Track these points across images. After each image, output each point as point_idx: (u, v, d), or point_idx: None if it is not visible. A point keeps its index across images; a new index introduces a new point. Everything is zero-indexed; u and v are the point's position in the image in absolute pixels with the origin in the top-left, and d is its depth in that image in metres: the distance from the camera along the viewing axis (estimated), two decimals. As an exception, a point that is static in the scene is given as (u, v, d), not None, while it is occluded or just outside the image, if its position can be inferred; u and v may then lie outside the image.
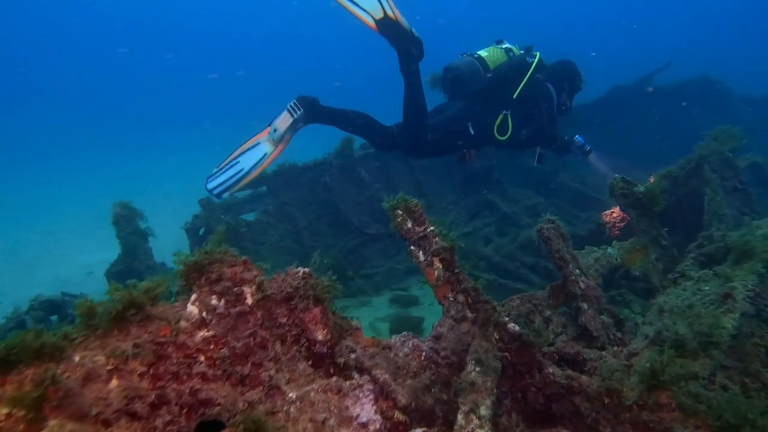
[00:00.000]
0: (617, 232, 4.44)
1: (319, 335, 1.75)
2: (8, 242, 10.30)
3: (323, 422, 1.53)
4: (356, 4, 4.15)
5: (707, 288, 2.69)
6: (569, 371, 2.06)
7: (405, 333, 2.10)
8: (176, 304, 1.63)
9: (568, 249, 2.69)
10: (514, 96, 4.65)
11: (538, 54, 4.79)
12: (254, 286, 1.72)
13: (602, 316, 2.64)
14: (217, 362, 1.59)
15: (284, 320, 1.76)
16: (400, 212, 2.35)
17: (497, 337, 2.17)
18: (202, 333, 1.61)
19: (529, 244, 5.18)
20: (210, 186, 4.31)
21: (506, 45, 4.90)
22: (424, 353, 2.03)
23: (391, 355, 1.97)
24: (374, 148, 5.04)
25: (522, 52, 4.90)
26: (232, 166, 4.29)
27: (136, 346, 1.47)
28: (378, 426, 1.64)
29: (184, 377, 1.51)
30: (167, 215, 8.80)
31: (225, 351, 1.62)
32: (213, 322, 1.64)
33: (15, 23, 41.88)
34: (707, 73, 10.61)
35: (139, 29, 43.25)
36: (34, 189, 15.24)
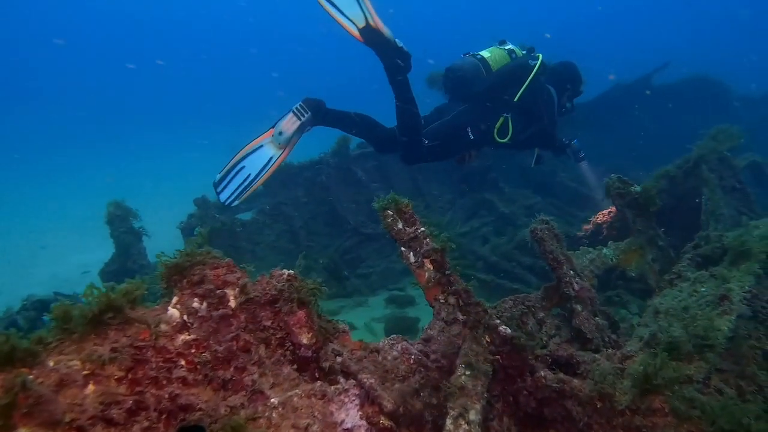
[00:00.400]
0: (614, 232, 4.40)
1: (304, 339, 1.71)
2: (5, 241, 10.28)
3: (306, 428, 1.50)
4: (341, 12, 4.11)
5: (703, 289, 2.65)
6: (561, 375, 2.02)
7: (394, 336, 2.06)
8: (157, 307, 1.59)
9: (561, 250, 2.65)
10: (516, 99, 4.61)
11: (540, 56, 4.73)
12: (237, 289, 1.68)
13: (596, 318, 2.60)
14: (199, 366, 1.56)
15: (269, 323, 1.72)
16: (390, 213, 2.32)
17: (488, 340, 2.13)
18: (183, 336, 1.57)
19: (526, 244, 5.14)
20: (223, 198, 4.24)
21: (509, 46, 4.86)
22: (413, 356, 2.00)
23: (379, 358, 1.93)
24: (375, 150, 4.99)
25: (524, 53, 4.86)
26: (238, 172, 4.20)
27: (113, 350, 1.43)
28: (363, 432, 1.60)
29: (164, 382, 1.48)
30: (164, 214, 8.77)
31: (207, 355, 1.58)
32: (195, 325, 1.60)
33: (13, 22, 41.86)
34: (706, 72, 10.57)
35: (139, 28, 43.23)
36: (31, 188, 15.21)
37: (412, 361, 1.97)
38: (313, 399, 1.58)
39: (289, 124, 4.12)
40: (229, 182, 4.19)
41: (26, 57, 41.83)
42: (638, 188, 3.40)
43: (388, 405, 1.62)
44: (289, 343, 1.74)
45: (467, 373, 1.96)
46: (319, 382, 1.63)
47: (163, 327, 1.54)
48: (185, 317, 1.58)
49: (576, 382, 1.97)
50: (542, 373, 2.05)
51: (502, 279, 5.24)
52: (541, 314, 2.58)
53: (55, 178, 16.76)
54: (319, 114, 4.21)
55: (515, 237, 5.67)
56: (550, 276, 2.75)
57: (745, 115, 9.90)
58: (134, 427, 1.38)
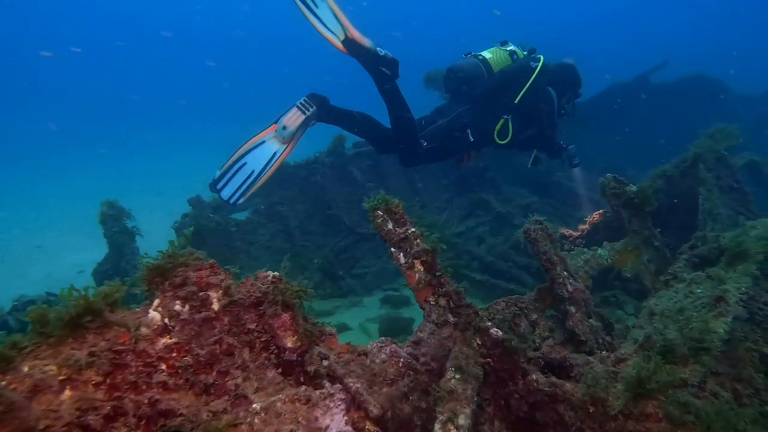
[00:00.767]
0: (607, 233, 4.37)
1: (289, 342, 1.67)
2: (0, 241, 10.22)
3: (289, 434, 1.46)
4: (324, 25, 4.09)
5: (699, 291, 2.61)
6: (553, 378, 1.99)
7: (383, 338, 2.03)
8: (137, 310, 1.55)
9: (555, 250, 2.62)
10: (516, 101, 4.59)
11: (542, 58, 4.71)
12: (221, 291, 1.64)
13: (591, 320, 2.57)
14: (180, 371, 1.52)
15: (253, 326, 1.69)
16: (380, 213, 2.28)
17: (479, 343, 2.10)
18: (164, 340, 1.53)
19: (522, 244, 5.11)
20: (225, 196, 4.10)
21: (510, 47, 4.83)
22: (402, 359, 1.96)
23: (367, 361, 1.89)
24: (376, 150, 4.96)
25: (525, 53, 4.84)
26: (239, 169, 4.09)
27: (91, 354, 1.39)
28: (349, 437, 1.57)
29: (144, 387, 1.44)
30: (161, 214, 8.72)
31: (188, 359, 1.54)
32: (176, 328, 1.56)
33: (12, 21, 41.73)
34: (705, 71, 10.54)
35: (138, 27, 43.12)
36: (27, 187, 15.15)
37: (401, 365, 1.94)
38: (297, 404, 1.54)
39: (294, 118, 4.05)
40: (230, 179, 4.07)
41: (22, 56, 41.72)
42: (634, 188, 3.37)
43: (374, 410, 1.58)
44: (274, 347, 1.70)
45: (457, 376, 1.93)
46: (303, 387, 1.60)
47: (144, 330, 1.50)
48: (166, 320, 1.54)
49: (568, 385, 1.94)
50: (534, 377, 2.01)
51: (497, 279, 5.21)
52: (535, 316, 2.54)
53: (53, 177, 16.69)
54: (323, 109, 4.15)
55: (511, 237, 5.64)
56: (545, 276, 2.72)
57: (744, 113, 9.87)
58: (112, 433, 1.35)
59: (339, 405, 1.62)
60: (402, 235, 2.24)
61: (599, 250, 3.25)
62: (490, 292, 5.18)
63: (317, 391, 1.61)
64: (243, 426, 1.44)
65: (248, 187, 4.06)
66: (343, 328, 5.13)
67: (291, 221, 6.29)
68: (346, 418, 1.59)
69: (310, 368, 1.67)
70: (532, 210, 6.71)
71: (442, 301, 2.20)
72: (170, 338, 1.53)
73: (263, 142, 4.11)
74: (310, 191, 6.55)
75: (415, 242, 2.23)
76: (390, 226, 2.27)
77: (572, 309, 2.53)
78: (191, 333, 1.58)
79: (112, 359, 1.41)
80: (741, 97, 10.81)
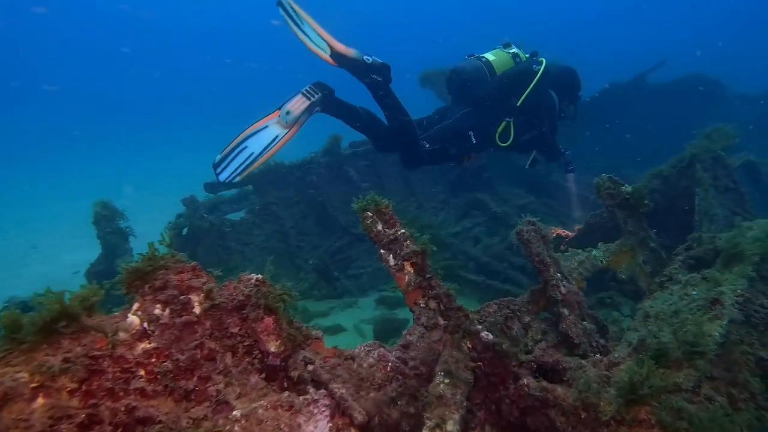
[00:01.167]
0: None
1: (272, 346, 1.64)
2: (-4, 241, 10.18)
3: (271, 442, 1.42)
4: (311, 41, 4.09)
5: (695, 293, 2.58)
6: (544, 383, 1.95)
7: (371, 342, 1.99)
8: (116, 314, 1.51)
9: (548, 252, 2.58)
10: (518, 103, 4.59)
11: (544, 61, 4.70)
12: (203, 294, 1.60)
13: (584, 322, 2.53)
14: (159, 376, 1.48)
15: (236, 330, 1.65)
16: (369, 214, 2.24)
17: (470, 346, 2.06)
18: (143, 345, 1.49)
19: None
20: (222, 178, 4.06)
21: (513, 50, 4.83)
22: (390, 364, 1.92)
23: (355, 366, 1.86)
24: (376, 148, 4.95)
25: (527, 56, 4.84)
26: (240, 152, 4.06)
27: (66, 360, 1.35)
28: (333, 445, 1.53)
29: (121, 394, 1.40)
30: (157, 214, 8.67)
31: (168, 364, 1.50)
32: (156, 333, 1.52)
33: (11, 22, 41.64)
34: (703, 71, 10.52)
35: (139, 28, 43.07)
36: (23, 187, 15.09)
37: (389, 369, 1.90)
38: (279, 410, 1.50)
39: (298, 104, 4.02)
40: (229, 162, 4.04)
41: (20, 56, 41.62)
42: (629, 188, 3.33)
43: (359, 417, 1.54)
44: (258, 351, 1.66)
45: (446, 381, 1.89)
46: (286, 393, 1.56)
47: (122, 335, 1.46)
48: (146, 324, 1.50)
49: (560, 390, 1.90)
50: (525, 381, 1.98)
51: (493, 280, 5.17)
52: (527, 318, 2.50)
53: (50, 176, 16.64)
54: (328, 98, 4.14)
55: (507, 237, 5.60)
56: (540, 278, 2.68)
57: (742, 113, 9.85)
58: (86, 442, 1.31)
59: (323, 411, 1.58)
60: (391, 237, 2.20)
61: (594, 252, 3.21)
62: (485, 293, 5.14)
63: (301, 397, 1.57)
64: (222, 434, 1.40)
65: (246, 167, 4.03)
66: (337, 329, 5.10)
67: (286, 222, 6.25)
68: (330, 424, 1.55)
69: (294, 373, 1.63)
70: (528, 210, 6.71)
71: (432, 304, 2.16)
72: (149, 343, 1.49)
73: (266, 126, 4.08)
74: (305, 191, 6.51)
75: (404, 243, 2.19)
76: (379, 227, 2.23)
77: (565, 311, 2.49)
78: (171, 337, 1.54)
79: (87, 365, 1.37)
80: (740, 96, 10.79)
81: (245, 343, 1.66)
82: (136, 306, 1.53)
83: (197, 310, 1.60)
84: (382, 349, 1.96)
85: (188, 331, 1.57)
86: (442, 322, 2.13)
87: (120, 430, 1.37)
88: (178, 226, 5.60)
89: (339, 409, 1.59)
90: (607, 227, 4.53)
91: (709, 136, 4.48)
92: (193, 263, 1.66)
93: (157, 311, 1.54)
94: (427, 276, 2.17)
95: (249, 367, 1.64)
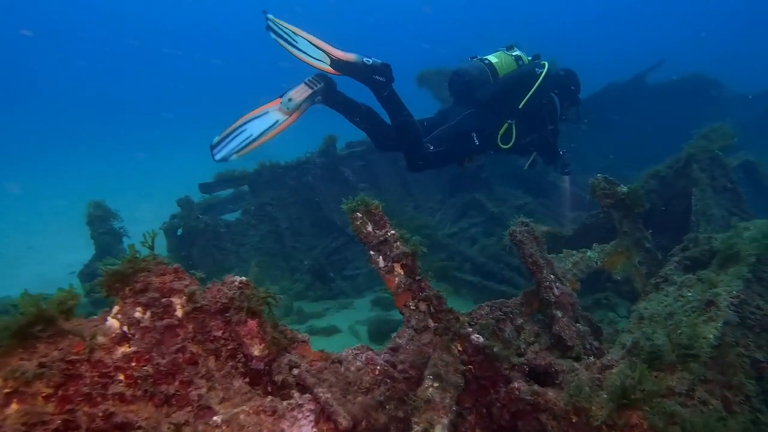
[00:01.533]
0: None
1: (255, 350, 1.60)
2: (-8, 241, 10.14)
3: (252, 449, 1.39)
4: (308, 55, 4.11)
5: (690, 294, 2.55)
6: (535, 387, 1.92)
7: (359, 345, 1.95)
8: (95, 317, 1.48)
9: (542, 253, 2.55)
10: (520, 106, 4.60)
11: (546, 64, 4.71)
12: (185, 297, 1.57)
13: (578, 324, 2.50)
14: (139, 381, 1.44)
15: (219, 333, 1.61)
16: (359, 215, 2.21)
17: (460, 349, 2.03)
18: (123, 349, 1.46)
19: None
20: (218, 157, 4.09)
21: (516, 52, 4.84)
22: (378, 367, 1.89)
23: (342, 369, 1.82)
24: (375, 147, 4.97)
25: (530, 59, 4.85)
26: (238, 134, 4.09)
27: (41, 365, 1.32)
28: (317, 451, 1.50)
29: (98, 399, 1.36)
30: (152, 214, 8.63)
31: (148, 368, 1.47)
32: (136, 336, 1.49)
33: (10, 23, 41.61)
34: (701, 71, 10.49)
35: (142, 25, 43.03)
36: (20, 187, 15.03)
37: (377, 372, 1.86)
38: (262, 415, 1.47)
39: (300, 92, 4.06)
40: (227, 144, 4.06)
41: (17, 56, 41.56)
42: (625, 189, 3.30)
43: (344, 422, 1.51)
44: (241, 355, 1.63)
45: (435, 384, 1.86)
46: (269, 397, 1.52)
47: (101, 339, 1.43)
48: (125, 328, 1.47)
49: (551, 394, 1.87)
50: (516, 385, 1.94)
51: (489, 281, 5.14)
52: (520, 320, 2.47)
53: (46, 176, 16.60)
54: (330, 88, 4.17)
55: (504, 238, 5.56)
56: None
57: (740, 113, 9.82)
58: (61, 449, 1.27)
59: (308, 416, 1.55)
60: (381, 238, 2.17)
61: (588, 252, 3.17)
62: (481, 294, 5.11)
63: (285, 402, 1.54)
64: (202, 440, 1.37)
65: (243, 148, 4.04)
66: (332, 330, 5.07)
67: (281, 222, 6.22)
68: (314, 430, 1.52)
69: (278, 377, 1.60)
70: (526, 211, 6.69)
71: (423, 306, 2.13)
72: (129, 347, 1.46)
73: (266, 113, 4.11)
74: (301, 192, 6.47)
75: (394, 245, 2.16)
76: (369, 228, 2.20)
77: (559, 313, 2.46)
78: (152, 341, 1.50)
79: (64, 370, 1.34)
80: (738, 96, 10.77)
81: (229, 347, 1.63)
82: (116, 309, 1.50)
83: (179, 313, 1.57)
84: (370, 352, 1.92)
85: (170, 334, 1.54)
86: (432, 324, 2.10)
87: (97, 436, 1.34)
88: (172, 226, 5.57)
89: (324, 414, 1.56)
90: (603, 228, 4.51)
91: (706, 136, 4.46)
92: (175, 265, 1.62)
93: (137, 314, 1.51)
94: (417, 278, 2.14)
95: (232, 371, 1.61)
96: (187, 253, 5.59)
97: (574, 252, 3.13)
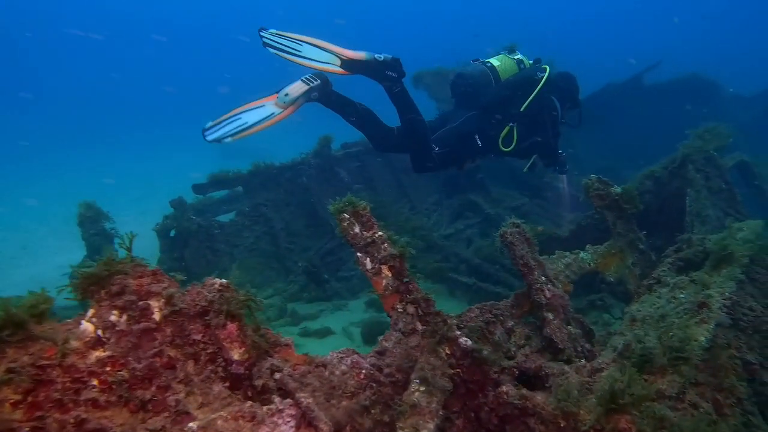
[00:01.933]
0: None
1: (235, 354, 1.57)
2: (-14, 242, 10.07)
3: (229, 456, 1.35)
4: (315, 60, 4.14)
5: (682, 296, 2.52)
6: (524, 390, 1.89)
7: (344, 348, 1.92)
8: (68, 321, 1.45)
9: (533, 255, 2.52)
10: (522, 109, 4.62)
11: (547, 68, 4.73)
12: (163, 300, 1.54)
13: (569, 327, 2.47)
14: (114, 386, 1.41)
15: (199, 337, 1.58)
16: (346, 216, 2.18)
17: (448, 353, 2.00)
18: (97, 353, 1.42)
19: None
20: (210, 138, 4.12)
21: (518, 56, 4.87)
22: (364, 371, 1.85)
23: (326, 373, 1.79)
24: (374, 147, 4.99)
25: (531, 62, 4.87)
26: (233, 121, 4.14)
27: (9, 371, 1.29)
28: (297, 457, 1.46)
29: (70, 405, 1.33)
30: (146, 216, 8.59)
31: (124, 373, 1.43)
32: (111, 340, 1.45)
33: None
34: (698, 71, 10.48)
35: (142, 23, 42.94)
36: (13, 187, 14.97)
37: (362, 376, 1.83)
38: (240, 421, 1.43)
39: (297, 88, 4.11)
40: (220, 128, 4.11)
41: (15, 55, 41.49)
42: (618, 189, 3.27)
43: (325, 428, 1.48)
44: (222, 359, 1.59)
45: (422, 389, 1.83)
46: (249, 402, 1.49)
47: (74, 343, 1.39)
48: (100, 332, 1.44)
49: (539, 398, 1.84)
50: (504, 389, 1.91)
51: (484, 282, 5.11)
52: (511, 323, 2.44)
53: (41, 177, 16.53)
54: (327, 86, 4.21)
55: (496, 239, 5.53)
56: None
57: (737, 113, 9.80)
58: (30, 457, 1.24)
59: (288, 422, 1.51)
60: (369, 239, 2.14)
61: (581, 254, 3.14)
62: (476, 295, 5.08)
63: (265, 407, 1.50)
64: (177, 447, 1.33)
65: (236, 133, 4.09)
66: (326, 332, 5.03)
67: (276, 223, 6.18)
68: (294, 436, 1.48)
69: (258, 382, 1.57)
70: (522, 212, 6.66)
71: (411, 309, 2.09)
72: (104, 351, 1.43)
73: (262, 106, 4.17)
74: (295, 193, 6.44)
75: (382, 246, 2.12)
76: (356, 229, 2.16)
77: (550, 316, 2.42)
78: (128, 345, 1.47)
79: (34, 375, 1.30)
80: (736, 96, 10.76)
81: (208, 351, 1.59)
82: (90, 312, 1.46)
83: (157, 316, 1.53)
84: (356, 355, 1.89)
85: (147, 338, 1.51)
86: (420, 327, 2.07)
87: (69, 443, 1.31)
88: (165, 227, 5.53)
89: (305, 420, 1.52)
90: (599, 229, 4.48)
91: (701, 136, 4.43)
92: (153, 268, 1.59)
93: (113, 318, 1.47)
94: (405, 280, 2.10)
95: (212, 375, 1.58)
96: (180, 254, 5.55)
97: (567, 253, 3.10)
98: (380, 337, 2.03)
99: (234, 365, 1.58)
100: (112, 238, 5.06)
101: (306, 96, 4.14)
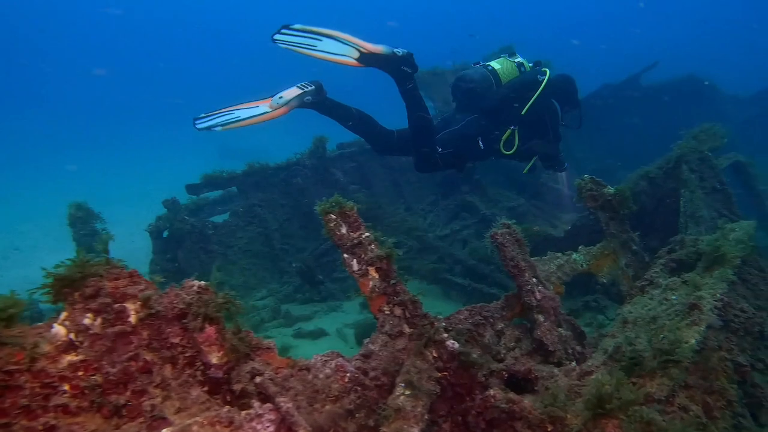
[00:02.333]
0: None
1: (214, 358, 1.53)
2: (-21, 243, 10.02)
3: (204, 463, 1.32)
4: (332, 53, 4.17)
5: (674, 297, 2.49)
6: (511, 394, 1.85)
7: (329, 351, 1.88)
8: (40, 324, 1.41)
9: (524, 256, 2.49)
10: (523, 112, 4.62)
11: (548, 71, 4.75)
12: (139, 302, 1.50)
13: (560, 329, 2.43)
14: (86, 391, 1.37)
15: (177, 340, 1.54)
16: (333, 216, 2.14)
17: (435, 355, 1.96)
18: (69, 358, 1.39)
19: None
20: (200, 126, 4.22)
21: (519, 59, 4.89)
22: (348, 374, 1.82)
23: (309, 377, 1.75)
24: (372, 149, 5.01)
25: (531, 65, 4.89)
26: (225, 114, 4.25)
27: (-24, 376, 1.25)
28: (276, 464, 1.42)
29: (38, 411, 1.29)
30: (141, 217, 8.54)
31: (97, 378, 1.40)
32: (84, 344, 1.42)
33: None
34: (695, 72, 10.47)
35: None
36: (6, 188, 14.91)
37: (346, 380, 1.80)
38: (217, 427, 1.40)
39: (291, 92, 4.20)
40: (212, 119, 4.21)
41: (19, 56, 41.40)
42: (611, 190, 3.24)
43: (304, 434, 1.44)
44: (200, 363, 1.56)
45: (407, 392, 1.79)
46: (227, 407, 1.45)
47: (45, 348, 1.36)
48: (72, 335, 1.40)
49: (526, 402, 1.80)
50: (491, 392, 1.88)
51: (479, 283, 5.08)
52: (501, 325, 2.40)
53: (36, 177, 16.47)
54: (321, 91, 4.27)
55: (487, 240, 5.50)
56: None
57: (733, 114, 9.79)
58: (-3, 465, 1.20)
59: (267, 427, 1.48)
60: (355, 240, 2.10)
61: (574, 255, 3.11)
62: (471, 296, 5.05)
63: (243, 412, 1.47)
64: (150, 454, 1.30)
65: (226, 124, 4.19)
66: (320, 333, 5.00)
67: (270, 224, 6.14)
68: (273, 442, 1.44)
69: (237, 386, 1.53)
70: (518, 212, 6.63)
71: (398, 311, 2.06)
72: (76, 355, 1.39)
73: (256, 106, 4.25)
74: (290, 194, 6.40)
75: (369, 248, 2.09)
76: (343, 230, 2.13)
77: (540, 318, 2.39)
78: (102, 349, 1.43)
79: (0, 380, 1.27)
80: (732, 97, 10.75)
81: (187, 354, 1.55)
82: (63, 315, 1.43)
83: (133, 319, 1.49)
84: (340, 359, 1.86)
85: (122, 341, 1.47)
86: (407, 330, 2.03)
87: (38, 450, 1.27)
88: (157, 228, 5.48)
89: (284, 425, 1.49)
90: (594, 230, 4.45)
91: (696, 137, 4.41)
92: (130, 269, 1.55)
93: (86, 321, 1.44)
94: (392, 282, 2.07)
95: (190, 379, 1.54)
96: (173, 255, 5.51)
97: (559, 254, 3.07)
98: (366, 340, 2.00)
99: (212, 369, 1.54)
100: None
101: (299, 100, 4.21)
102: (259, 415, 1.49)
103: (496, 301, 2.56)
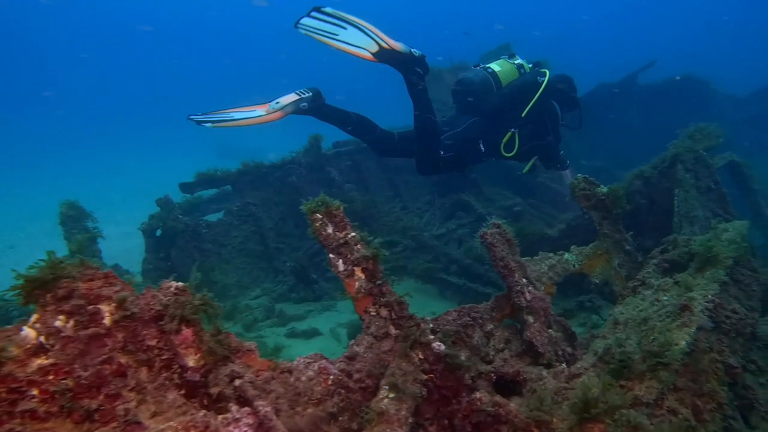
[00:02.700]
0: None
1: (190, 360, 1.50)
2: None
3: (177, 469, 1.28)
4: (348, 44, 4.14)
5: (666, 298, 2.46)
6: (497, 397, 1.82)
7: (312, 353, 1.85)
8: (8, 327, 1.37)
9: (514, 256, 2.45)
10: (523, 114, 4.62)
11: (548, 73, 4.74)
12: (114, 304, 1.47)
13: (550, 330, 2.40)
14: (56, 396, 1.34)
15: (153, 343, 1.51)
16: (319, 216, 2.11)
17: (421, 357, 1.93)
18: (39, 361, 1.35)
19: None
20: (193, 118, 4.27)
21: (518, 61, 4.88)
22: (332, 377, 1.79)
23: (291, 379, 1.72)
24: (373, 152, 5.01)
25: (531, 66, 4.89)
26: (222, 114, 4.30)
27: (-61, 381, 1.21)
28: (252, 470, 1.39)
29: (4, 417, 1.26)
30: (141, 215, 8.49)
31: (68, 382, 1.36)
32: (56, 347, 1.38)
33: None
34: (692, 72, 10.44)
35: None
36: (5, 186, 14.86)
37: (330, 382, 1.76)
38: (192, 431, 1.36)
39: (288, 98, 4.24)
40: (208, 117, 4.25)
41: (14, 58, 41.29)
42: (605, 189, 3.21)
43: (282, 439, 1.41)
44: (178, 366, 1.52)
45: (391, 395, 1.76)
46: (203, 412, 1.42)
47: (13, 351, 1.32)
48: (42, 338, 1.36)
49: (512, 406, 1.77)
50: (477, 395, 1.84)
51: (474, 283, 5.05)
52: (490, 326, 2.37)
53: (32, 177, 16.43)
54: (318, 98, 4.30)
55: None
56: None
57: (729, 114, 9.76)
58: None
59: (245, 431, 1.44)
60: (341, 240, 2.07)
61: (566, 255, 3.07)
62: (466, 296, 5.02)
63: (219, 416, 1.43)
64: (120, 461, 1.26)
65: (221, 122, 4.23)
66: (313, 332, 4.97)
67: (265, 223, 6.10)
68: (250, 447, 1.41)
69: (214, 390, 1.49)
70: (514, 212, 6.59)
71: (384, 312, 2.03)
72: (46, 359, 1.35)
73: (253, 111, 4.29)
74: (285, 192, 6.36)
75: (355, 248, 2.06)
76: (329, 230, 2.10)
77: (530, 319, 2.36)
78: (74, 352, 1.40)
79: (-34, 385, 1.23)
80: (729, 97, 10.72)
81: (164, 357, 1.52)
82: (34, 318, 1.39)
83: (107, 321, 1.46)
84: (323, 361, 1.82)
85: (96, 344, 1.43)
86: (393, 331, 2.00)
87: (4, 457, 1.24)
88: (150, 227, 5.45)
89: (262, 429, 1.45)
90: (589, 229, 4.42)
91: (692, 136, 4.38)
92: (106, 270, 1.52)
93: (58, 323, 1.40)
94: (378, 282, 2.04)
95: (167, 382, 1.51)
96: (166, 254, 5.48)
97: (551, 254, 3.03)
98: (351, 341, 1.97)
99: (189, 372, 1.51)
100: (95, 238, 4.98)
101: (295, 105, 4.23)
102: (236, 419, 1.45)
103: (487, 301, 2.53)
